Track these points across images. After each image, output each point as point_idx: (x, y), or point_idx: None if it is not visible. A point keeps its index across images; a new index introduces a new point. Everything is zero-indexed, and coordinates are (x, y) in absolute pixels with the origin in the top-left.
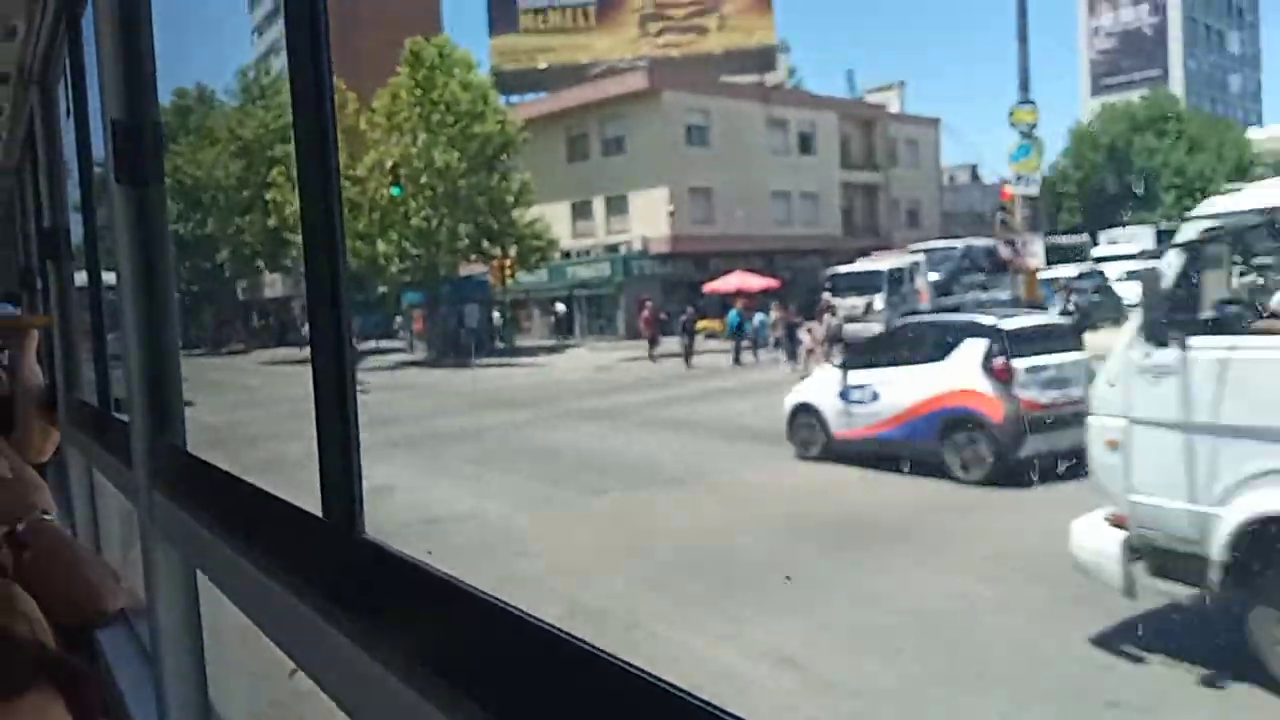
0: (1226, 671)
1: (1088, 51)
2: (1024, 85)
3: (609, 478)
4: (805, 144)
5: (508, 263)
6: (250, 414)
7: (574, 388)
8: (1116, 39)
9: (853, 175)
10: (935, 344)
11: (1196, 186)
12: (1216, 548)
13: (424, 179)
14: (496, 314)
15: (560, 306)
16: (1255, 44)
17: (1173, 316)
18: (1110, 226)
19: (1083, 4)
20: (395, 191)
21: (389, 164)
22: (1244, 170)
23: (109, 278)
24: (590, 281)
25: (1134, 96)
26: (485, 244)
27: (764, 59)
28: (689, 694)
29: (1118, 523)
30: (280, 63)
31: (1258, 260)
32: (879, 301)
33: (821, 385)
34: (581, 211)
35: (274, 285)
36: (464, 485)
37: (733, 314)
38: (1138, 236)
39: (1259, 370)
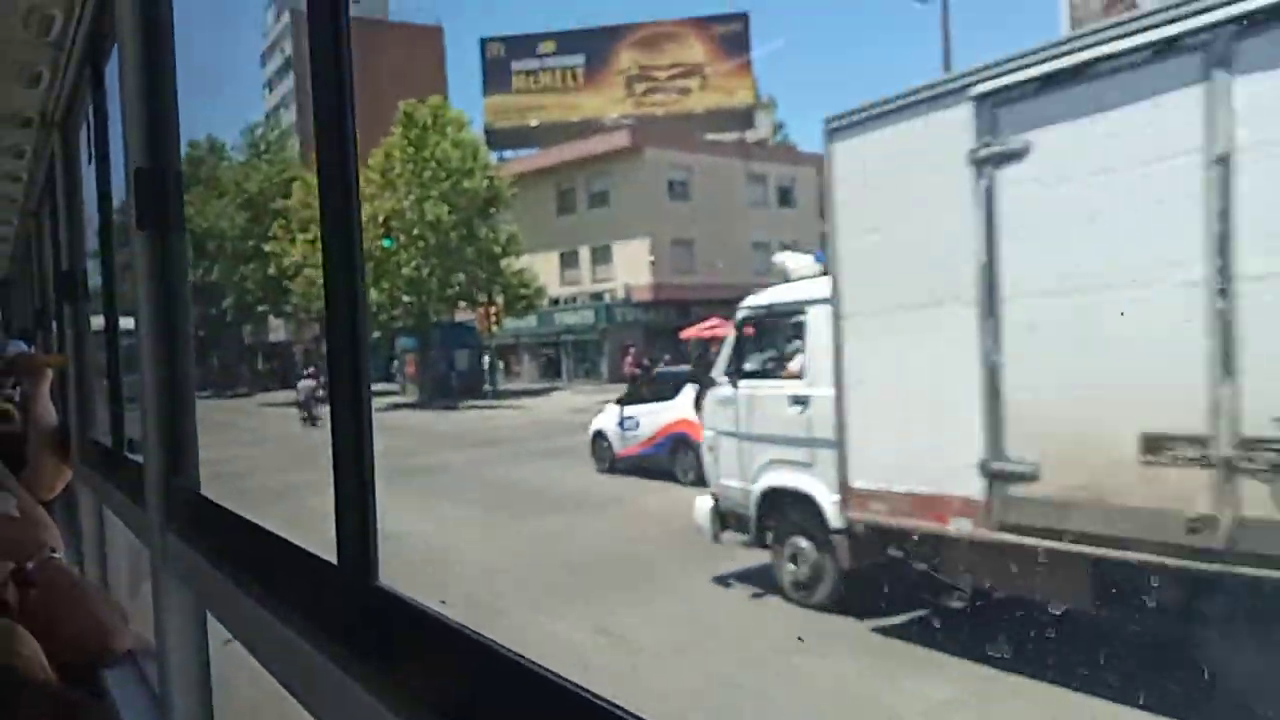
0: (765, 585)
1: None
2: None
3: (543, 503)
4: (785, 197)
5: (494, 310)
6: (240, 451)
7: (546, 428)
8: None
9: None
10: (673, 387)
11: None
12: (752, 509)
13: (416, 231)
14: (485, 358)
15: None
16: None
17: (735, 367)
18: None
19: (1063, 21)
20: (386, 243)
21: (381, 218)
22: None
23: (125, 321)
24: (576, 327)
25: None
26: (474, 292)
27: (744, 118)
28: None
29: (712, 497)
30: (289, 117)
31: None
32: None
33: (609, 417)
34: (569, 261)
35: (277, 330)
36: (410, 511)
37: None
38: None
39: (767, 401)
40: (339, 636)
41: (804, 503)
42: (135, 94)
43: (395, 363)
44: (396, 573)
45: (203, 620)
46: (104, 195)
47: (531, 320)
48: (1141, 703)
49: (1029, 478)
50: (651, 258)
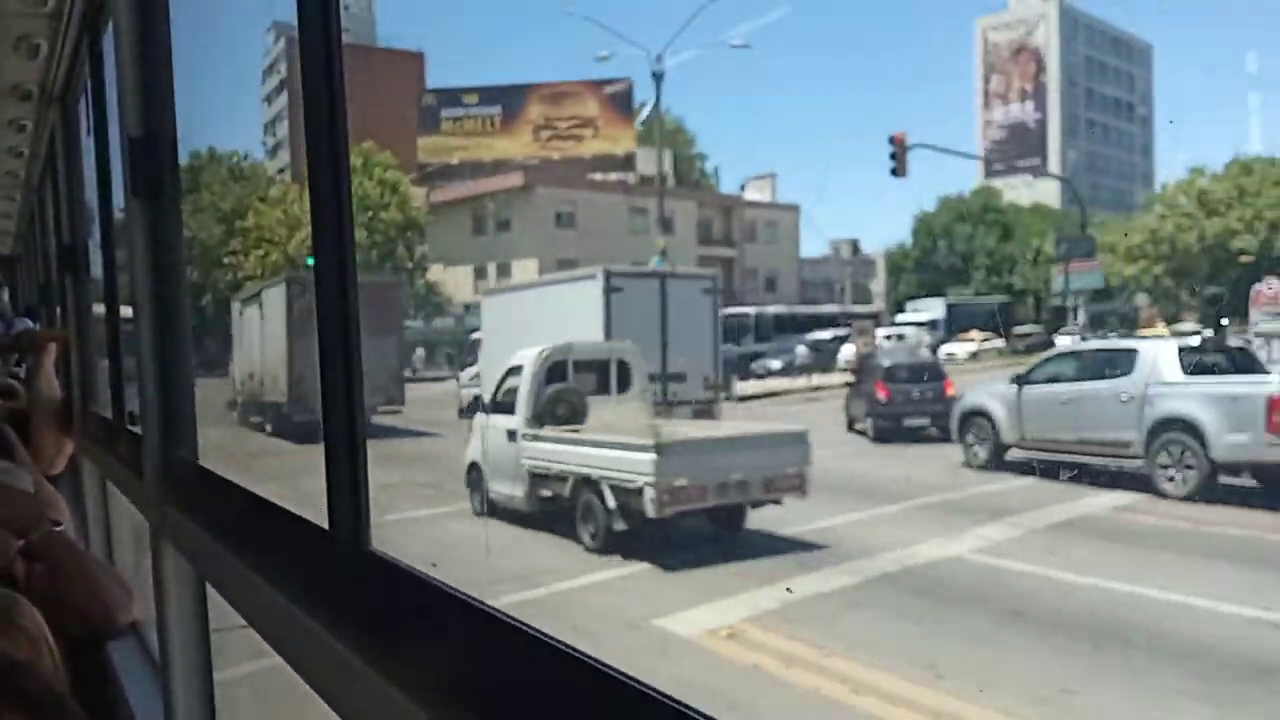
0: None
1: (982, 141)
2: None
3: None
4: (666, 226)
5: None
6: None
7: (427, 407)
8: (1006, 131)
9: (711, 250)
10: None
11: (1004, 266)
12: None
13: None
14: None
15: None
16: (1148, 134)
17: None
18: (937, 297)
19: (979, 100)
20: (309, 261)
21: (307, 243)
22: (1042, 253)
23: (126, 311)
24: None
25: (1017, 182)
26: None
27: (626, 162)
28: (697, 710)
29: None
30: (283, 130)
31: None
32: None
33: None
34: (481, 273)
35: None
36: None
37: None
38: (931, 307)
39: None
40: (333, 602)
41: None
42: (130, 63)
43: None
44: None
45: (202, 590)
46: (103, 168)
47: (449, 320)
48: None
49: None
50: (538, 275)
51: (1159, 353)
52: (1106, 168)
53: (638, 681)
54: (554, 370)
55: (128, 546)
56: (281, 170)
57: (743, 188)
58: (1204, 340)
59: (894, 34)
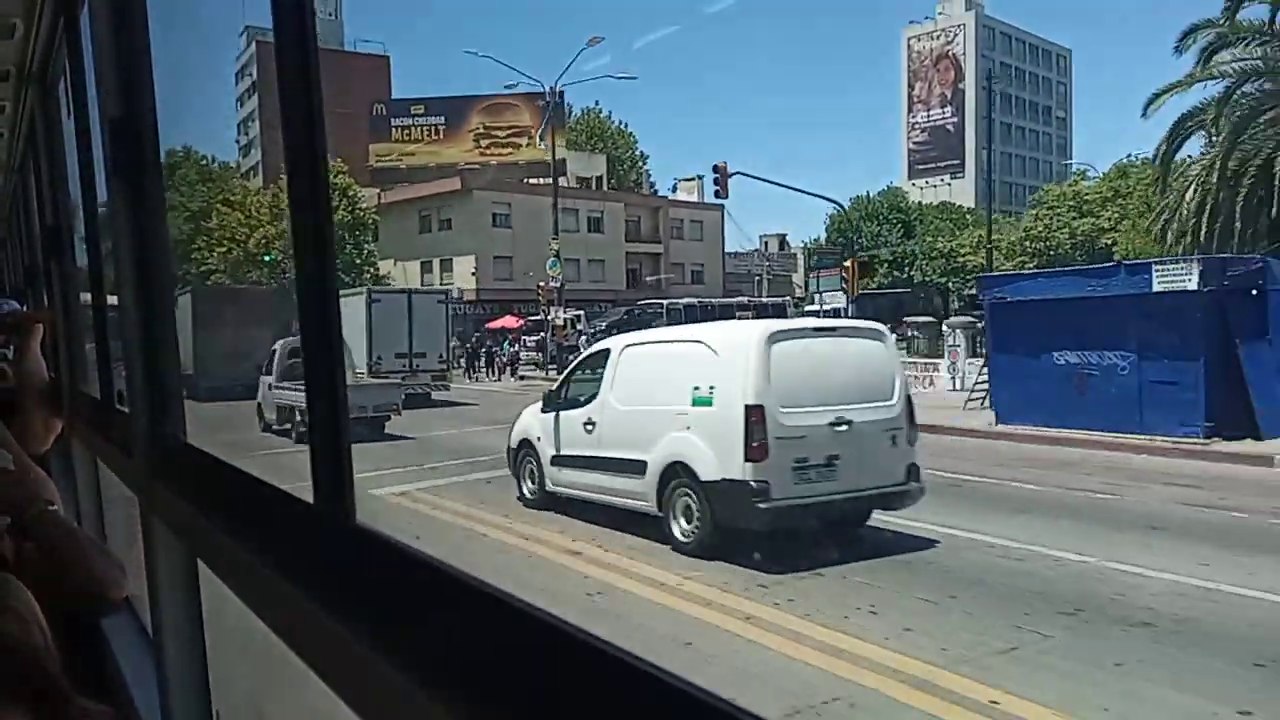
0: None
1: (906, 143)
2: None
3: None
4: (595, 225)
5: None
6: None
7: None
8: (927, 134)
9: (639, 246)
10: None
11: (906, 260)
12: None
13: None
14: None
15: None
16: (1065, 135)
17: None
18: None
19: (904, 105)
20: (267, 258)
21: (265, 240)
22: (945, 251)
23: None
24: None
25: (938, 181)
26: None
27: (558, 168)
28: (691, 684)
29: None
30: (255, 130)
31: None
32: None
33: None
34: (426, 268)
35: None
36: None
37: (505, 343)
38: (838, 298)
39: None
40: (320, 575)
41: None
42: (107, 42)
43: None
44: None
45: (192, 564)
46: (85, 149)
47: None
48: None
49: None
50: (474, 270)
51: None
52: (1023, 168)
53: (624, 652)
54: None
55: (119, 524)
56: (253, 168)
57: (674, 189)
58: None
59: (832, 42)
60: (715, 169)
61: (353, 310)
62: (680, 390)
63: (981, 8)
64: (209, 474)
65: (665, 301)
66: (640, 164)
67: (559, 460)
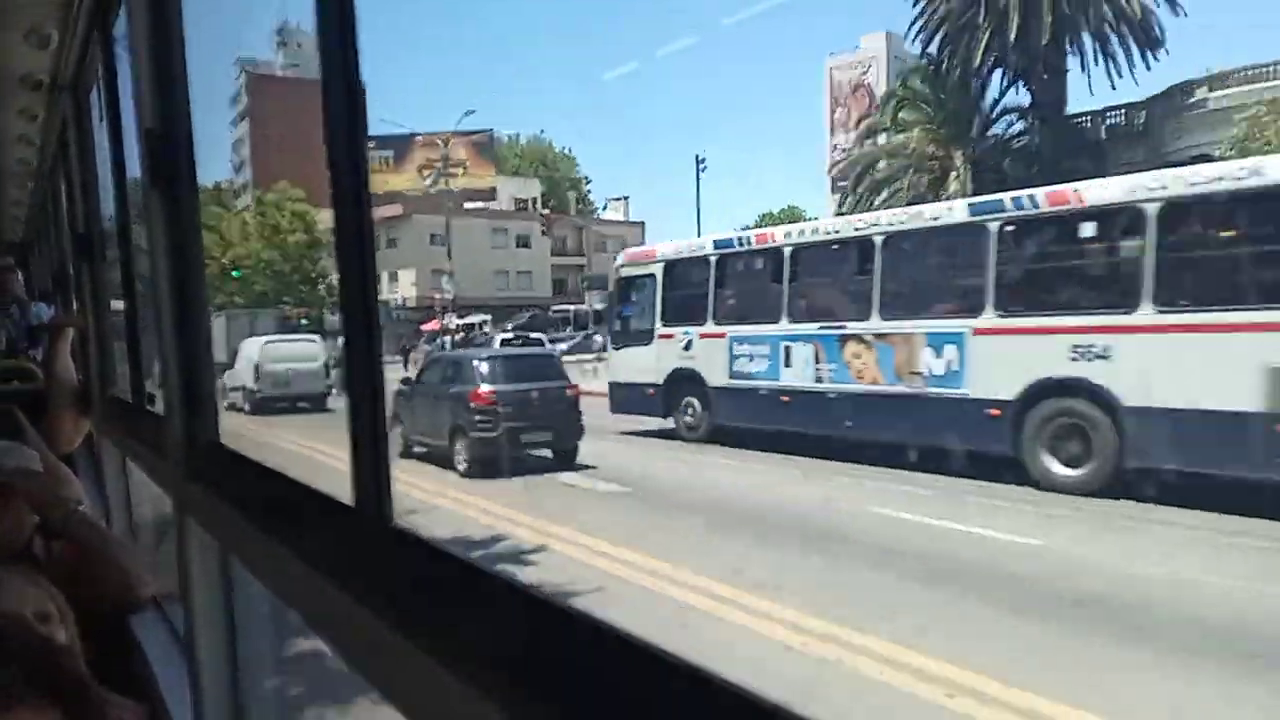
0: None
1: (829, 161)
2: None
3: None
4: (523, 242)
5: (299, 312)
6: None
7: None
8: (845, 155)
9: (564, 260)
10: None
11: None
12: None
13: (261, 266)
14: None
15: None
16: None
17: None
18: None
19: (826, 128)
20: (235, 274)
21: (231, 259)
22: None
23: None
24: None
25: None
26: (300, 301)
27: (489, 194)
28: (725, 680)
29: None
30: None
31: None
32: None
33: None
34: (376, 280)
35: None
36: None
37: (437, 342)
38: None
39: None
40: (361, 575)
41: None
42: (144, 54)
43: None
44: None
45: (226, 564)
46: (118, 156)
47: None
48: None
49: None
50: (414, 281)
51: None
52: None
53: (667, 653)
54: None
55: (148, 524)
56: (244, 185)
57: (604, 207)
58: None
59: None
60: (544, 218)
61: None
62: None
63: (897, 39)
64: (245, 475)
65: (573, 307)
66: (582, 184)
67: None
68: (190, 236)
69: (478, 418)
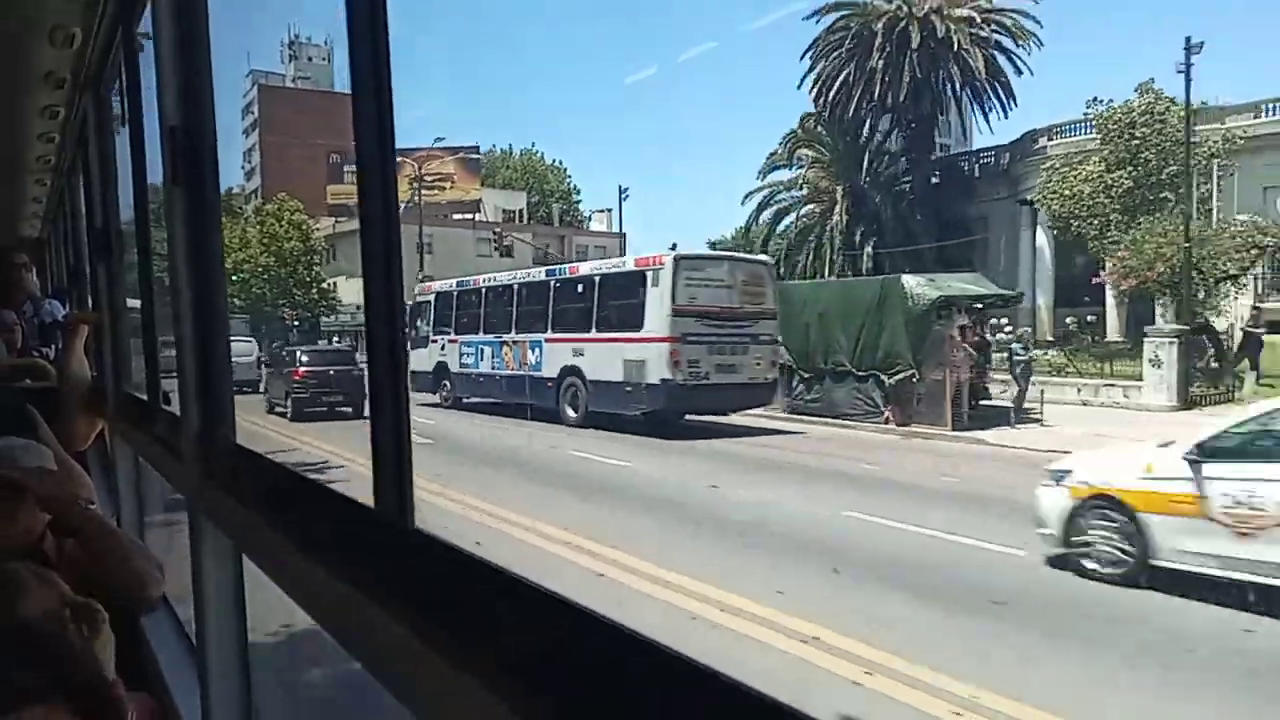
0: None
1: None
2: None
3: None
4: (508, 251)
5: (293, 314)
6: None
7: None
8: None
9: (549, 267)
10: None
11: None
12: None
13: (259, 271)
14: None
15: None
16: None
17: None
18: None
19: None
20: (235, 277)
21: (230, 263)
22: None
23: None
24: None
25: None
26: (294, 302)
27: (474, 206)
28: (737, 680)
29: None
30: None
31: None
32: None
33: None
34: None
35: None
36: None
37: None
38: None
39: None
40: (380, 577)
41: None
42: (169, 53)
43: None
44: None
45: (239, 564)
46: (138, 155)
47: (346, 316)
48: None
49: None
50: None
51: None
52: None
53: (687, 658)
54: None
55: (160, 523)
56: (255, 189)
57: (589, 218)
58: None
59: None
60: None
61: None
62: None
63: None
64: (262, 476)
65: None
66: (571, 195)
67: None
68: (211, 235)
69: (295, 385)
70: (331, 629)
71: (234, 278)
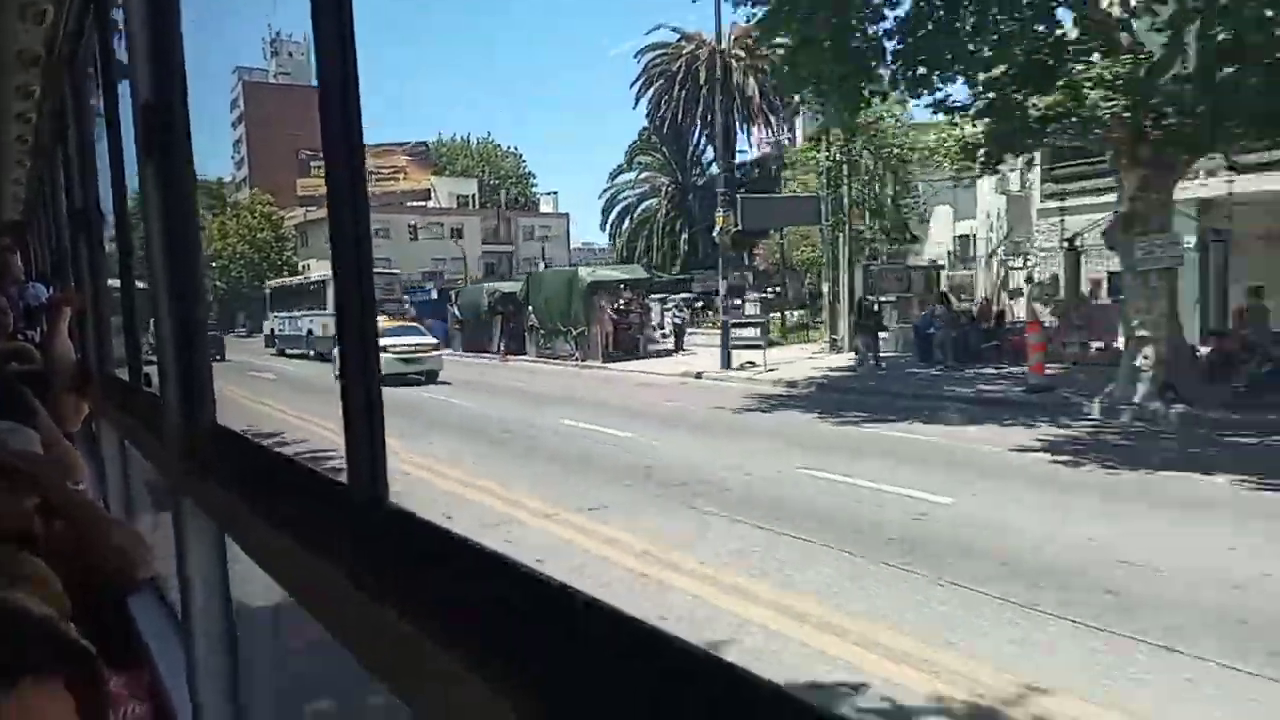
0: None
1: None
2: None
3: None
4: (456, 233)
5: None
6: None
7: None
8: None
9: (494, 247)
10: None
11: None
12: None
13: (236, 256)
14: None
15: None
16: None
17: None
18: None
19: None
20: (214, 264)
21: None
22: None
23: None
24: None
25: None
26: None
27: (425, 195)
28: (712, 654)
29: None
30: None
31: None
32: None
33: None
34: None
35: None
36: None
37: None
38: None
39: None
40: (353, 555)
41: None
42: (139, 28)
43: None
44: None
45: (222, 545)
46: (114, 131)
47: None
48: None
49: None
50: None
51: None
52: None
53: (663, 632)
54: None
55: (146, 503)
56: (244, 179)
57: (537, 201)
58: None
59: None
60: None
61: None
62: None
63: None
64: (242, 456)
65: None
66: (528, 181)
67: None
68: (186, 212)
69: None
70: (307, 606)
71: (213, 265)
